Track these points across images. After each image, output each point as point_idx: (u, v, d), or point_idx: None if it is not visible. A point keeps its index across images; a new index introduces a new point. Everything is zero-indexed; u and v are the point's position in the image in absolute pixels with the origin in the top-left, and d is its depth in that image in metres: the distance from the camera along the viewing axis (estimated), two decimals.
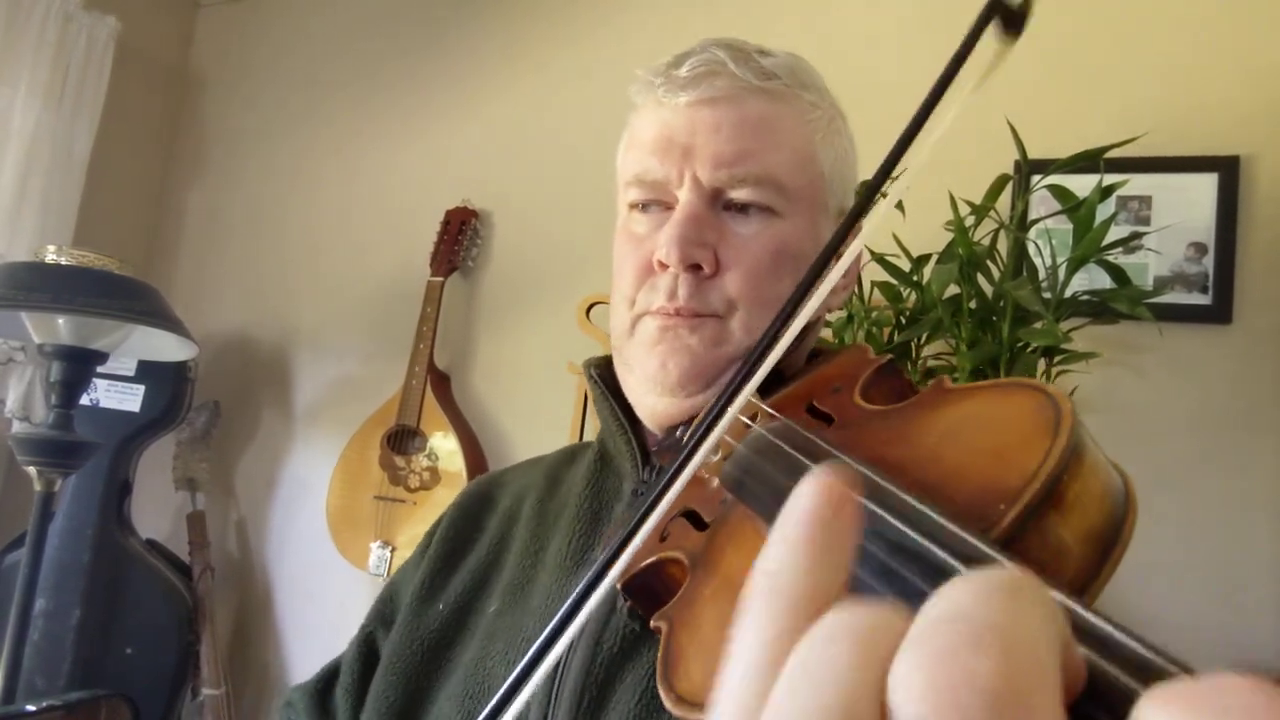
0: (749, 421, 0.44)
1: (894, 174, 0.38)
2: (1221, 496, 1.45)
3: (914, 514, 0.26)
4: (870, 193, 0.38)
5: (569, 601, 0.30)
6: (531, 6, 2.16)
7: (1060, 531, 0.27)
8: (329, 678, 0.69)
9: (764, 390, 0.48)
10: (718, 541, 0.38)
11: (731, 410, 0.34)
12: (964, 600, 0.15)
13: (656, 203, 0.57)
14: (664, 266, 0.54)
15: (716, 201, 0.55)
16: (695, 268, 0.54)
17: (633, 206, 0.58)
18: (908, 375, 0.44)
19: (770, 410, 0.44)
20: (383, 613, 0.68)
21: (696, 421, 0.36)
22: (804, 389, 0.47)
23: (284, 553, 2.18)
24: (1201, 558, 1.45)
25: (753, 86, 0.55)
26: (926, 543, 0.24)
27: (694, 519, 0.41)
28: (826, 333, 1.44)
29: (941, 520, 0.25)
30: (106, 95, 2.17)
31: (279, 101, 2.44)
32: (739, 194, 0.54)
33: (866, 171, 0.49)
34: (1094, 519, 0.27)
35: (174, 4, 2.54)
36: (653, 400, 0.56)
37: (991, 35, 0.34)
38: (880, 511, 0.26)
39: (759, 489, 0.37)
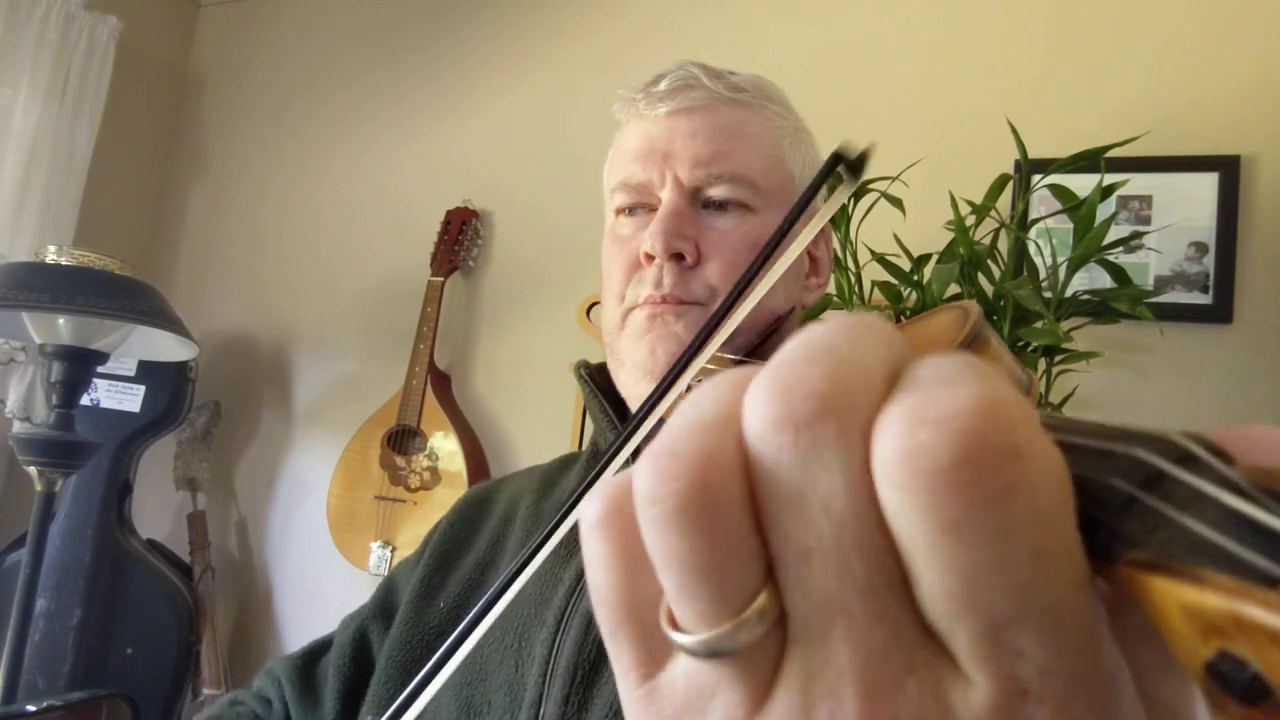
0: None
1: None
2: None
3: None
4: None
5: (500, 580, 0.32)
6: (532, 7, 2.16)
7: None
8: (315, 653, 0.71)
9: None
10: None
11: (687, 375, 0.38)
12: (810, 332, 0.17)
13: (641, 205, 0.61)
14: (650, 259, 0.58)
15: (696, 199, 0.59)
16: (678, 257, 0.58)
17: (619, 211, 0.63)
18: None
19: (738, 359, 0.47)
20: (384, 606, 0.70)
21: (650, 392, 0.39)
22: None
23: (284, 553, 2.18)
24: None
25: (724, 97, 0.60)
26: None
27: None
28: None
29: None
30: (107, 95, 2.16)
31: (279, 101, 2.44)
32: (716, 191, 0.59)
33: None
34: None
35: (174, 4, 2.54)
36: (644, 388, 0.59)
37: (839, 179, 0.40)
38: None
39: None
